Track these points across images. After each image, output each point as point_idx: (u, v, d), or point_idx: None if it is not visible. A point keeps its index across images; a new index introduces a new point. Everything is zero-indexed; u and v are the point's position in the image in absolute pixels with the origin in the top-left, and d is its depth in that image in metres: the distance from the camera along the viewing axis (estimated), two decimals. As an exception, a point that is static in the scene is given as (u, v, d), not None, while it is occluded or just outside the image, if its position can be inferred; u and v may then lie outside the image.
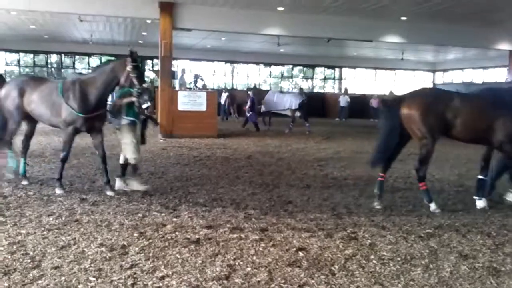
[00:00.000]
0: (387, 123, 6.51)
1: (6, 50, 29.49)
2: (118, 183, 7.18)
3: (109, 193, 6.84)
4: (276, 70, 34.77)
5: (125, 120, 7.01)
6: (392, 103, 6.72)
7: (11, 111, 7.17)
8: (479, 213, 6.45)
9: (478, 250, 4.96)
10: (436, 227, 5.73)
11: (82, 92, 6.70)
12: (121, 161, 7.34)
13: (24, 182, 7.38)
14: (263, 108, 19.09)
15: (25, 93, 7.07)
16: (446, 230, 5.61)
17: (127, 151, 7.09)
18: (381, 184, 6.68)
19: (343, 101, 27.57)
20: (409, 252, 4.81)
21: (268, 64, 33.56)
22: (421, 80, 36.43)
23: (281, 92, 22.99)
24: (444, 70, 35.76)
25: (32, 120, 7.50)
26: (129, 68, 6.54)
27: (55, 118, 6.92)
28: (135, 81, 6.52)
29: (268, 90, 23.44)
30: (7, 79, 29.65)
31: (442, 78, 36.51)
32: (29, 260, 4.27)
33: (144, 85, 6.63)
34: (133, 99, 6.72)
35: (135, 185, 7.15)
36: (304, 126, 18.21)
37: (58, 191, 6.88)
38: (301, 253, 4.69)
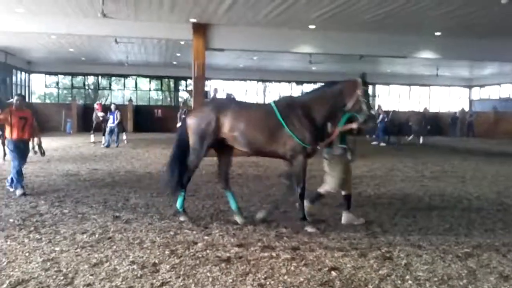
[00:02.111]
0: None
1: (46, 73, 30.60)
2: (346, 217, 6.55)
3: (309, 229, 6.09)
4: (309, 88, 34.72)
5: (338, 149, 6.34)
6: None
7: (202, 136, 6.28)
8: (520, 233, 6.19)
9: (520, 271, 4.75)
10: (475, 246, 5.53)
11: (307, 118, 6.06)
12: (343, 193, 6.60)
13: (182, 218, 6.52)
14: None
15: (226, 117, 6.24)
16: (485, 250, 5.40)
17: (332, 182, 6.40)
18: None
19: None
20: (446, 273, 4.64)
21: (300, 82, 33.59)
22: (457, 96, 35.74)
23: None
24: (481, 86, 34.97)
25: (225, 149, 6.55)
26: (359, 91, 5.99)
27: (272, 146, 6.18)
28: (364, 107, 5.94)
29: None
30: (47, 101, 30.69)
31: (479, 94, 35.71)
32: (62, 277, 4.32)
33: (372, 112, 6.15)
34: (353, 125, 6.13)
35: (350, 218, 6.53)
36: None
37: (309, 229, 6.07)
38: (333, 273, 4.59)
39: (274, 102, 6.42)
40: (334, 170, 6.39)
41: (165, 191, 6.98)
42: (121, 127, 18.94)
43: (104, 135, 18.13)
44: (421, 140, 22.70)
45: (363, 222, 6.54)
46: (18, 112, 8.24)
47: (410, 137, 23.13)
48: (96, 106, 20.60)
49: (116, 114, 18.00)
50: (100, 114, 19.37)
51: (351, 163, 6.54)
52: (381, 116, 21.45)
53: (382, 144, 21.13)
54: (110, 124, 17.92)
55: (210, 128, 6.25)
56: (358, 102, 5.97)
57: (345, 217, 6.56)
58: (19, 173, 8.17)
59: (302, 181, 6.20)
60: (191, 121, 6.45)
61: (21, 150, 8.25)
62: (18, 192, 8.01)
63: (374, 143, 21.40)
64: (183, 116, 25.17)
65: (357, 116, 6.04)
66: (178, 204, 6.59)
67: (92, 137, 19.50)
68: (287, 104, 6.28)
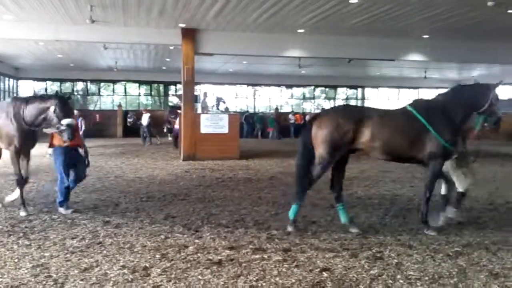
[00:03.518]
0: None
1: (34, 79, 30.36)
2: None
3: (430, 233, 6.11)
4: (298, 91, 34.84)
5: (460, 148, 6.37)
6: None
7: (336, 147, 5.99)
8: (509, 231, 6.24)
9: (509, 268, 4.79)
10: (465, 245, 5.57)
11: (449, 121, 6.03)
12: (461, 189, 6.59)
13: (354, 230, 6.16)
14: None
15: (365, 126, 5.98)
16: (475, 248, 5.45)
17: (461, 180, 6.52)
18: None
19: None
20: (437, 272, 4.67)
21: (289, 86, 33.67)
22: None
23: None
24: (469, 87, 35.27)
25: (344, 158, 6.36)
26: (492, 95, 6.13)
27: (413, 151, 6.05)
28: (496, 110, 6.16)
29: None
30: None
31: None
32: (52, 283, 4.28)
33: (500, 115, 6.22)
34: (481, 127, 6.31)
35: (451, 212, 6.53)
36: None
37: (430, 232, 6.08)
38: (325, 274, 4.60)
39: (411, 105, 6.32)
40: (462, 166, 6.50)
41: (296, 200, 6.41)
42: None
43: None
44: None
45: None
46: None
47: None
48: None
49: (81, 122, 16.24)
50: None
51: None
52: None
53: None
54: None
55: (347, 138, 5.98)
56: (492, 105, 6.11)
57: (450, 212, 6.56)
58: (68, 189, 7.33)
59: (434, 184, 6.20)
60: (321, 131, 6.05)
61: (69, 159, 7.24)
62: (64, 210, 7.18)
63: None
64: (130, 120, 24.71)
65: (488, 118, 6.23)
66: (292, 213, 6.24)
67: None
68: (427, 107, 6.23)
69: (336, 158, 6.10)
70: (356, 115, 6.10)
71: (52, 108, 6.68)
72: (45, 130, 7.11)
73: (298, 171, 6.31)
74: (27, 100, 6.95)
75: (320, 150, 6.05)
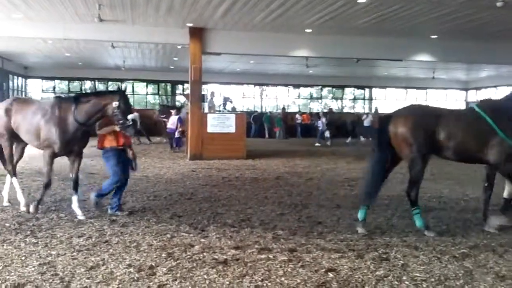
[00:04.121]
0: None
1: (43, 78, 30.58)
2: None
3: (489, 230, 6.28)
4: (305, 91, 34.80)
5: None
6: None
7: (423, 145, 6.05)
8: (517, 233, 6.20)
9: (517, 270, 4.76)
10: (471, 247, 5.54)
11: None
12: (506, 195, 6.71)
13: (431, 235, 6.03)
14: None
15: (441, 125, 6.06)
16: (482, 250, 5.42)
17: None
18: None
19: (367, 121, 27.42)
20: (443, 273, 4.65)
21: (297, 86, 33.64)
22: (453, 99, 35.83)
23: None
24: (477, 88, 35.04)
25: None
26: None
27: (481, 153, 6.06)
28: None
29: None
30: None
31: (475, 97, 35.78)
32: (58, 281, 4.31)
33: None
34: None
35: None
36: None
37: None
38: (331, 274, 4.59)
39: (478, 106, 6.30)
40: None
41: (365, 202, 6.42)
42: None
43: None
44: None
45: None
46: None
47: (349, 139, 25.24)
48: None
49: None
50: None
51: None
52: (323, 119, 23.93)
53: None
54: None
55: (430, 138, 6.04)
56: None
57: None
58: (118, 191, 7.10)
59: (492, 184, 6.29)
60: (404, 130, 6.07)
61: (123, 160, 7.03)
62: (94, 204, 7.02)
63: (317, 144, 22.67)
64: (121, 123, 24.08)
65: None
66: (361, 216, 6.27)
67: None
68: (493, 108, 6.22)
69: (427, 159, 6.13)
70: (432, 115, 6.17)
71: (115, 104, 6.46)
72: (99, 131, 6.88)
73: (371, 171, 6.32)
74: (77, 100, 6.64)
75: (407, 152, 6.11)
